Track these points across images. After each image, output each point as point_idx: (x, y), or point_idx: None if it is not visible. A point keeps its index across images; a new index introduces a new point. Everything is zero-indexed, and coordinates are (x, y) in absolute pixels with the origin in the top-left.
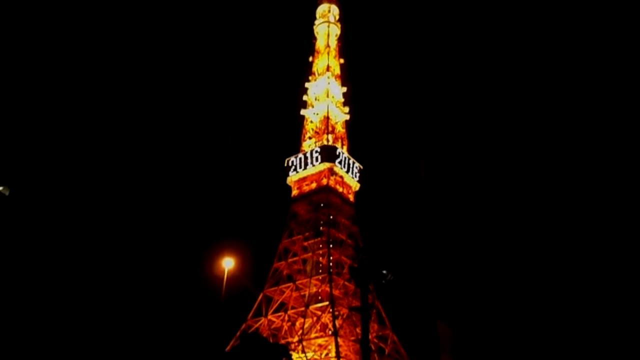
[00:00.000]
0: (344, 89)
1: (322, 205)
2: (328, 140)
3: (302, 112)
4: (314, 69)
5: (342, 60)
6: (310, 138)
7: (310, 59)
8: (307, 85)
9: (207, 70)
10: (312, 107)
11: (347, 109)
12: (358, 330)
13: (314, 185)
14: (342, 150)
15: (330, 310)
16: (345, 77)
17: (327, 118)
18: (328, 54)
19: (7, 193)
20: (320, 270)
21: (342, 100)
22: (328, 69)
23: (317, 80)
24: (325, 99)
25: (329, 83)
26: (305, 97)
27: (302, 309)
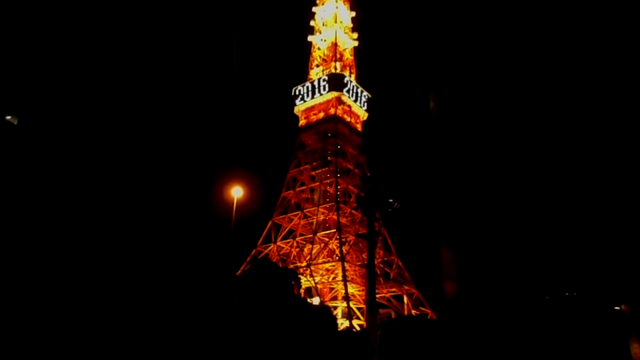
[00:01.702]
0: (353, 14)
1: (329, 135)
2: (336, 68)
3: (310, 38)
4: None
5: None
6: (317, 66)
7: None
8: (314, 9)
9: None
10: (320, 33)
11: (355, 35)
12: (364, 256)
13: (321, 114)
14: (351, 79)
15: (338, 237)
16: (354, 0)
17: (335, 45)
18: None
19: (15, 122)
20: (328, 199)
21: (351, 25)
22: None
23: (325, 4)
24: (333, 24)
25: (337, 7)
26: (312, 23)
27: (310, 235)
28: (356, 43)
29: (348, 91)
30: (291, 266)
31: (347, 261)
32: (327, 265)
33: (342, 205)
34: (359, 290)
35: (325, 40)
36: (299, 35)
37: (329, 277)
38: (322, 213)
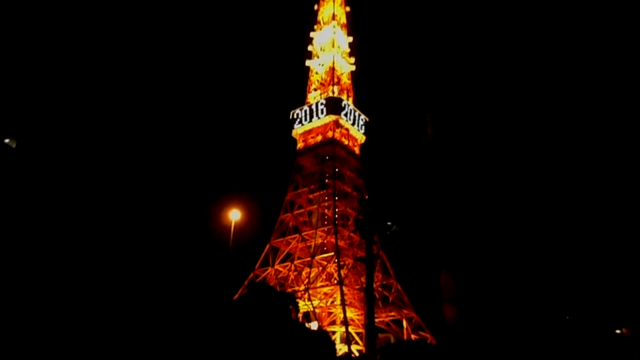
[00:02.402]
0: (350, 39)
1: (327, 157)
2: (333, 92)
3: (308, 62)
4: (320, 17)
5: (348, 9)
6: (315, 90)
7: (316, 7)
8: (312, 34)
9: (212, 20)
10: (318, 57)
11: (353, 60)
12: (363, 279)
13: (319, 137)
14: (348, 102)
15: (336, 260)
16: (352, 26)
17: (333, 69)
18: (334, 1)
19: (14, 145)
20: (326, 222)
21: (348, 50)
22: (334, 17)
23: (323, 29)
24: (330, 49)
25: (334, 32)
26: (310, 48)
27: (308, 259)
28: (353, 67)
29: (346, 114)
30: (289, 290)
31: (346, 285)
32: (325, 289)
33: (340, 228)
34: (358, 315)
35: (323, 65)
36: (297, 59)
37: (327, 301)
38: (320, 236)
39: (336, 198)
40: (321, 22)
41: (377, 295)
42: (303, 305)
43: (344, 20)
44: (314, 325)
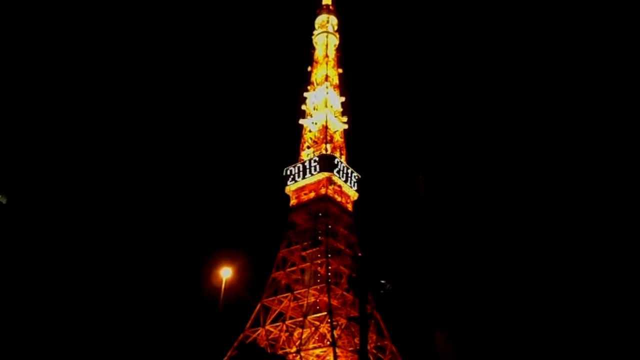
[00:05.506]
0: (343, 99)
1: (320, 214)
2: (326, 150)
3: (301, 121)
4: (313, 78)
5: (340, 70)
6: (308, 147)
7: (309, 68)
8: (305, 94)
9: (206, 79)
10: (311, 116)
11: (345, 119)
12: (356, 340)
13: (312, 194)
14: (341, 160)
15: (329, 320)
16: (344, 86)
17: (326, 127)
18: (327, 63)
19: (4, 201)
20: (319, 280)
21: (341, 109)
22: (327, 78)
23: (316, 90)
24: (323, 108)
25: (327, 93)
26: (303, 107)
27: (300, 319)
28: (346, 126)
29: (338, 172)
30: (280, 352)
31: (339, 346)
32: (317, 351)
33: (333, 286)
34: None
35: (316, 124)
36: (291, 118)
37: None
38: (313, 295)
39: (329, 255)
40: (314, 82)
41: (371, 358)
42: None
43: (336, 81)
44: None
